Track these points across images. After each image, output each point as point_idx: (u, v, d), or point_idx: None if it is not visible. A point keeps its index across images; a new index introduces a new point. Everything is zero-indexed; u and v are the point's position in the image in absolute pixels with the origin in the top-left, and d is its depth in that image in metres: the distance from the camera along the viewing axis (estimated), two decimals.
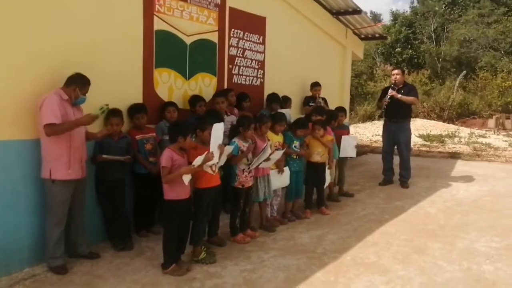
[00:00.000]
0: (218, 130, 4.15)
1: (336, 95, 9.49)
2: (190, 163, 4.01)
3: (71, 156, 4.06)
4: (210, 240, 4.74)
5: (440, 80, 27.98)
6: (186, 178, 3.95)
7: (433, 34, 31.63)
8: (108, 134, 4.47)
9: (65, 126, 3.95)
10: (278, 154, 5.16)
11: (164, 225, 4.20)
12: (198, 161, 3.91)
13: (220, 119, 4.80)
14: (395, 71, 7.77)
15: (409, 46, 32.12)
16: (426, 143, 13.69)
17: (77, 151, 4.13)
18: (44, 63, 4.12)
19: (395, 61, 31.18)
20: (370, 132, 16.76)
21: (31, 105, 4.01)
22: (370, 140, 14.99)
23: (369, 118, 20.39)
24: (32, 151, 4.05)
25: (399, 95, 7.47)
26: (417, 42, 32.30)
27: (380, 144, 13.90)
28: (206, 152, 3.97)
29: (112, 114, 4.60)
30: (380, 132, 16.33)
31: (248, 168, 4.85)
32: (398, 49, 31.71)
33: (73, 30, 4.36)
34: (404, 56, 31.54)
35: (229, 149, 4.52)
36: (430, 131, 15.67)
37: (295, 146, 5.64)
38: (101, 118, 4.57)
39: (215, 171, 4.37)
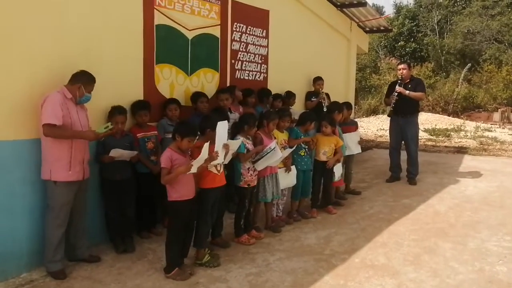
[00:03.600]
0: (222, 128, 3.98)
1: (341, 89, 9.32)
2: None
3: (72, 157, 3.92)
4: (213, 241, 4.59)
5: (444, 73, 27.72)
6: (193, 168, 3.76)
7: (436, 27, 31.29)
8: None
9: (64, 133, 3.82)
10: (287, 152, 5.00)
11: (167, 227, 4.04)
12: (199, 160, 3.75)
13: (226, 118, 4.64)
14: (401, 66, 7.56)
15: (412, 39, 31.79)
16: (432, 137, 13.52)
17: (79, 152, 3.98)
18: (39, 62, 3.95)
19: (398, 54, 30.89)
20: (374, 126, 16.58)
21: (28, 105, 3.88)
22: (375, 134, 14.82)
23: (373, 112, 20.20)
24: (30, 152, 3.91)
25: (407, 92, 7.28)
26: (420, 34, 31.95)
27: (385, 138, 13.80)
28: (204, 147, 3.75)
29: (117, 112, 4.45)
30: (385, 126, 16.48)
31: (253, 167, 4.69)
32: (401, 42, 31.38)
33: (68, 26, 4.19)
34: (407, 49, 31.22)
35: (234, 144, 4.35)
36: (436, 125, 15.50)
37: (304, 143, 5.48)
38: (104, 116, 4.43)
39: (220, 170, 4.22)
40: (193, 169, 3.76)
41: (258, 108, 6.49)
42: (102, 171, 4.49)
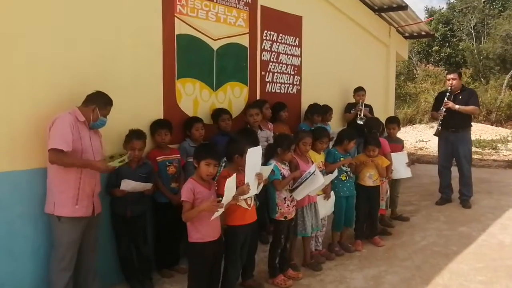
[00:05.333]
0: (254, 156, 3.34)
1: (380, 100, 8.57)
2: (220, 195, 3.21)
3: (80, 189, 3.37)
4: (244, 284, 3.95)
5: (483, 80, 26.33)
6: (216, 213, 3.14)
7: (473, 31, 29.89)
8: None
9: (72, 161, 3.28)
10: (329, 179, 4.33)
11: (187, 273, 3.41)
12: (227, 197, 3.11)
13: (255, 140, 4.01)
14: (451, 76, 6.70)
15: (447, 44, 30.47)
16: (477, 149, 12.45)
17: (89, 183, 3.42)
18: (43, 81, 3.44)
19: (433, 60, 29.66)
20: (411, 137, 15.59)
21: (30, 130, 3.36)
22: (415, 147, 13.86)
23: (409, 121, 19.17)
24: (33, 183, 3.40)
25: (457, 106, 6.46)
26: (455, 39, 30.60)
27: (426, 151, 12.89)
28: (230, 180, 3.12)
29: (135, 136, 3.88)
30: (424, 137, 15.50)
31: (291, 196, 4.03)
32: (435, 47, 30.14)
33: (77, 38, 3.66)
34: (442, 54, 29.96)
35: (266, 171, 3.72)
36: (480, 136, 14.39)
37: (345, 166, 4.79)
38: (120, 140, 3.87)
39: (250, 204, 3.57)
40: (221, 210, 3.12)
41: (302, 125, 5.85)
42: (112, 204, 3.92)
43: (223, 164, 3.72)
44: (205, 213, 3.14)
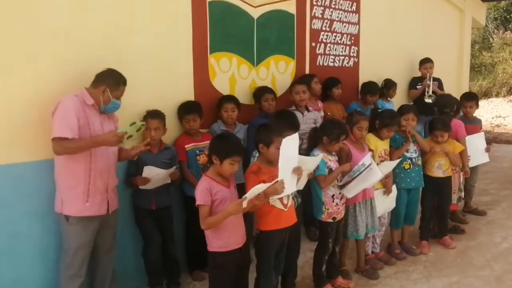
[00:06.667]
0: (289, 147, 2.68)
1: (452, 74, 7.58)
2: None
3: (90, 184, 2.89)
4: None
5: None
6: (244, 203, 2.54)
7: None
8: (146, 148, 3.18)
9: (78, 145, 2.77)
10: (389, 167, 3.60)
11: (209, 285, 2.87)
12: (253, 192, 2.50)
13: (295, 126, 3.34)
14: None
15: None
16: None
17: (101, 176, 2.93)
18: (46, 58, 2.94)
19: (511, 27, 26.91)
20: (487, 112, 14.07)
21: (33, 116, 2.90)
22: (491, 123, 12.44)
23: (484, 95, 17.39)
24: (39, 177, 2.96)
25: None
26: None
27: (504, 129, 11.53)
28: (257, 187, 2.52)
29: (149, 115, 3.40)
30: (502, 113, 13.91)
31: (340, 193, 3.35)
32: None
33: (85, 5, 3.12)
34: None
35: (311, 163, 3.07)
36: None
37: (409, 152, 4.01)
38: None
39: (287, 205, 2.94)
40: (244, 203, 2.52)
41: (352, 105, 5.11)
42: (134, 197, 3.45)
43: (256, 155, 3.10)
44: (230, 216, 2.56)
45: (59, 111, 2.79)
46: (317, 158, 3.17)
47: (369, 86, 5.28)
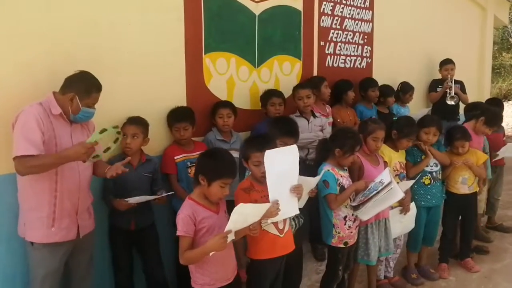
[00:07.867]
0: (279, 161, 2.26)
1: (473, 74, 7.14)
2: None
3: (56, 206, 2.50)
4: None
5: None
6: (231, 236, 2.13)
7: None
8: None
9: (43, 161, 2.35)
10: (407, 185, 3.17)
11: None
12: (237, 219, 2.08)
13: (291, 134, 2.92)
14: None
15: None
16: None
17: (69, 197, 2.54)
18: (10, 61, 2.55)
19: None
20: (507, 116, 13.47)
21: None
22: None
23: (504, 97, 16.84)
24: (1, 194, 2.58)
25: None
26: None
27: None
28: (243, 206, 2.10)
29: (128, 121, 3.03)
30: None
31: (353, 215, 2.91)
32: None
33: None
34: None
35: (310, 184, 2.66)
36: None
37: (428, 166, 3.57)
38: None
39: (283, 230, 2.52)
40: (231, 237, 2.11)
41: (358, 107, 4.71)
42: (111, 214, 3.07)
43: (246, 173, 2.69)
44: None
45: (19, 124, 2.38)
46: (315, 178, 2.73)
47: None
